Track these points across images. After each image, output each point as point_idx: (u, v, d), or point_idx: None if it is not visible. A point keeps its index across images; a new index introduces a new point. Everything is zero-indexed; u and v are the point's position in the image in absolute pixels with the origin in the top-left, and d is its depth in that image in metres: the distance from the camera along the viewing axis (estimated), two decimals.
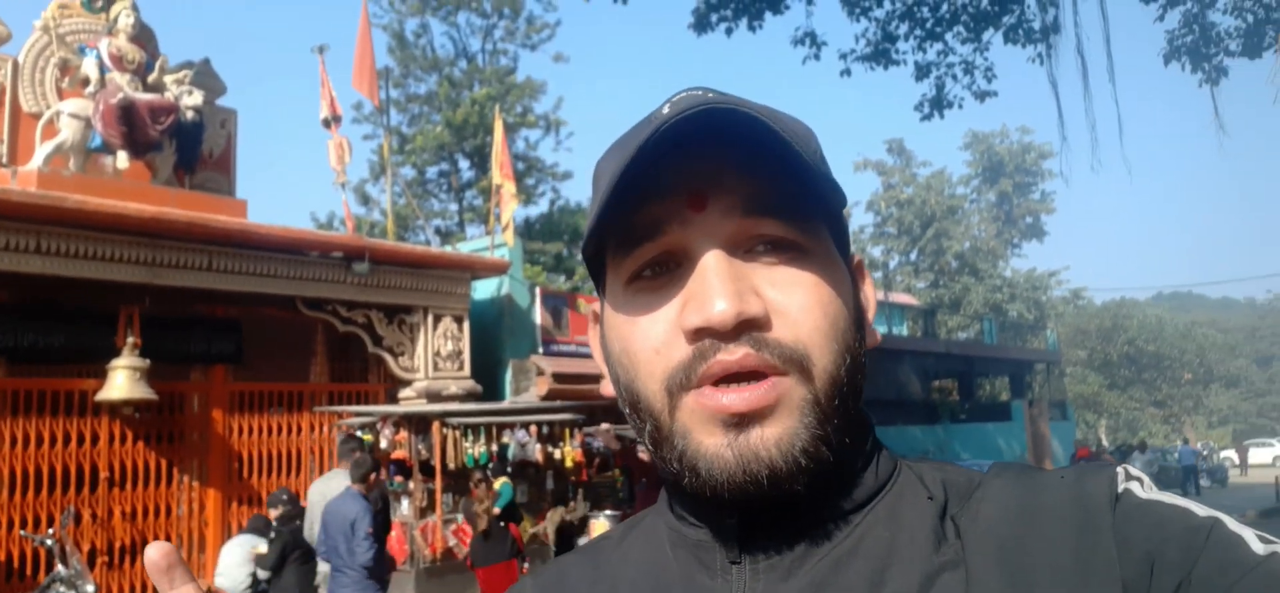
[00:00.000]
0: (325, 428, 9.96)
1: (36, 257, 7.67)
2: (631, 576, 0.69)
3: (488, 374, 11.67)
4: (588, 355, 13.46)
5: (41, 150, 8.52)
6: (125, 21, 9.23)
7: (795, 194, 0.62)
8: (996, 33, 13.92)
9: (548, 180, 27.50)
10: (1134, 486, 0.59)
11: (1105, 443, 35.49)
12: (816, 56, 13.84)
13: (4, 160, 8.51)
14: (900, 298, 30.79)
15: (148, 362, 8.22)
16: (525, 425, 9.02)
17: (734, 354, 0.58)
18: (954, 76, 14.45)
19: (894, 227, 42.68)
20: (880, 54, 14.12)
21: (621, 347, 0.65)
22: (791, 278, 0.62)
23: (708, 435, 0.59)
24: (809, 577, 0.60)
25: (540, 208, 27.79)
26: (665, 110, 0.61)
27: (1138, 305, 53.73)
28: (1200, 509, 0.57)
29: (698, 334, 0.59)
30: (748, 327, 0.59)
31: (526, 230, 28.16)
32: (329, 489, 6.72)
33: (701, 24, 13.73)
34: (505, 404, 10.46)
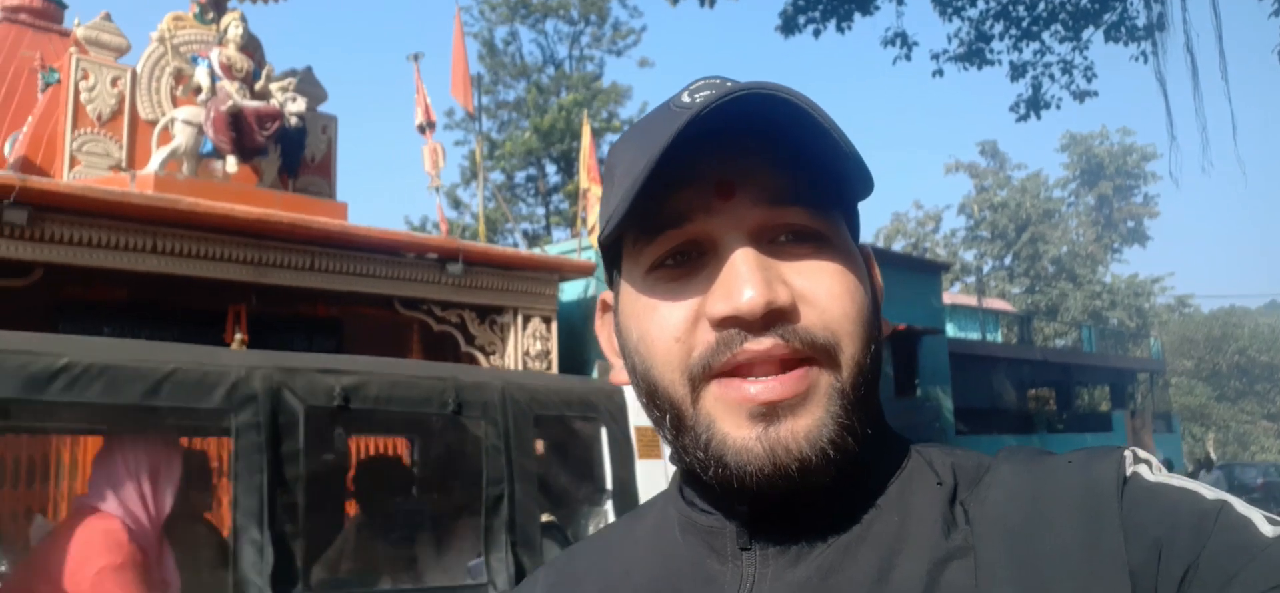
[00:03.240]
0: None
1: (152, 256, 8.08)
2: (642, 561, 0.69)
3: (575, 374, 11.81)
4: None
5: (157, 155, 8.97)
6: (234, 32, 9.66)
7: (820, 183, 0.63)
8: (1097, 31, 13.45)
9: None
10: (1142, 469, 0.59)
11: (1213, 456, 33.84)
12: (907, 57, 13.60)
13: (124, 165, 8.99)
14: (994, 303, 29.98)
15: None
16: None
17: (762, 343, 0.58)
18: (1051, 76, 14.02)
19: (987, 230, 41.58)
20: (974, 54, 13.79)
21: (639, 335, 0.64)
22: (817, 266, 0.62)
23: (734, 427, 0.59)
24: (818, 563, 0.60)
25: None
26: (686, 97, 0.62)
27: (1249, 313, 51.11)
28: (1209, 492, 0.56)
29: (725, 323, 0.59)
30: (776, 317, 0.59)
31: None
32: None
33: (789, 26, 13.63)
34: None
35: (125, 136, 9.14)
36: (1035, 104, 13.89)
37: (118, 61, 9.36)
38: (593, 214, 12.87)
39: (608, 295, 0.74)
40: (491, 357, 10.55)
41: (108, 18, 9.45)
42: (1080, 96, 13.78)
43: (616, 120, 26.58)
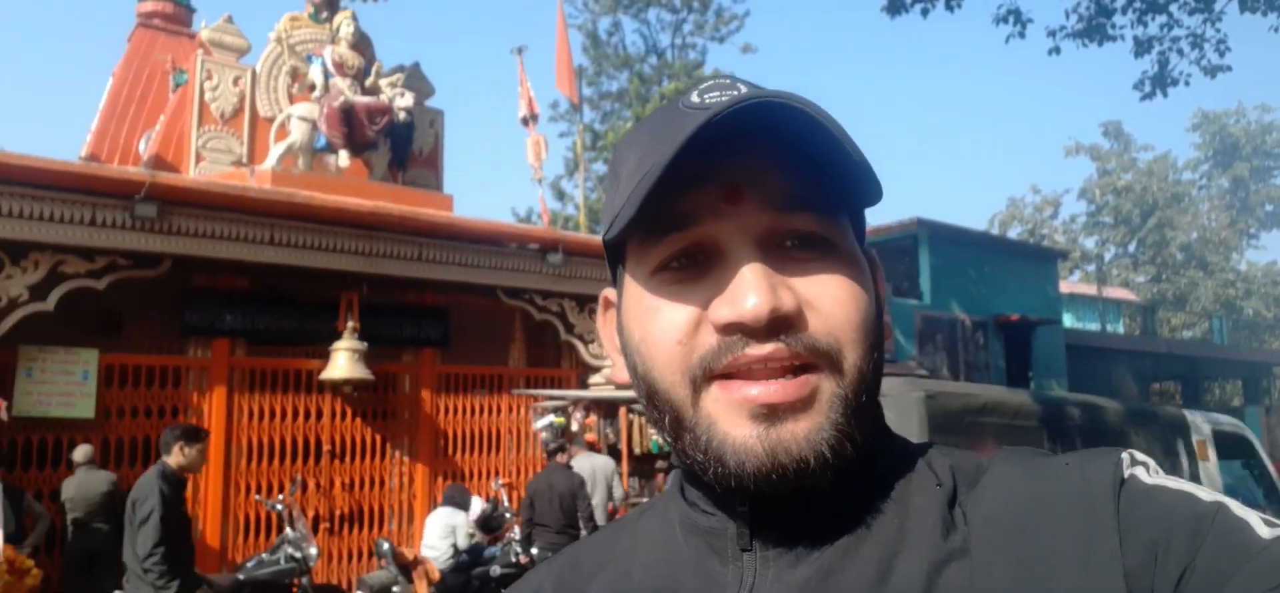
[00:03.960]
0: (522, 410, 10.42)
1: (270, 248, 8.46)
2: (643, 561, 0.70)
3: None
4: None
5: (275, 151, 9.38)
6: (346, 30, 10.01)
7: (827, 189, 0.62)
8: (1231, 1, 12.64)
9: None
10: (1139, 471, 0.59)
11: None
12: (1021, 34, 13.07)
13: (245, 161, 9.44)
14: (1116, 293, 28.60)
15: (365, 345, 8.89)
16: None
17: (764, 348, 0.59)
18: (1180, 51, 13.25)
19: (1110, 216, 39.64)
20: (1094, 29, 13.15)
21: (642, 335, 0.64)
22: (823, 273, 0.62)
23: (735, 427, 0.59)
24: (818, 564, 0.61)
25: None
26: (695, 98, 0.62)
27: None
28: (1205, 495, 0.56)
29: (729, 329, 0.59)
30: (781, 324, 0.59)
31: None
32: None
33: (895, 6, 13.26)
34: None
35: (246, 133, 9.59)
36: (1161, 81, 13.16)
37: (239, 62, 9.83)
38: None
39: (610, 293, 0.74)
40: (590, 345, 10.66)
41: (230, 20, 9.92)
42: (1212, 72, 12.98)
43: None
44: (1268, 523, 0.53)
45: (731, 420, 0.59)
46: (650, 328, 0.63)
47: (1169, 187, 38.69)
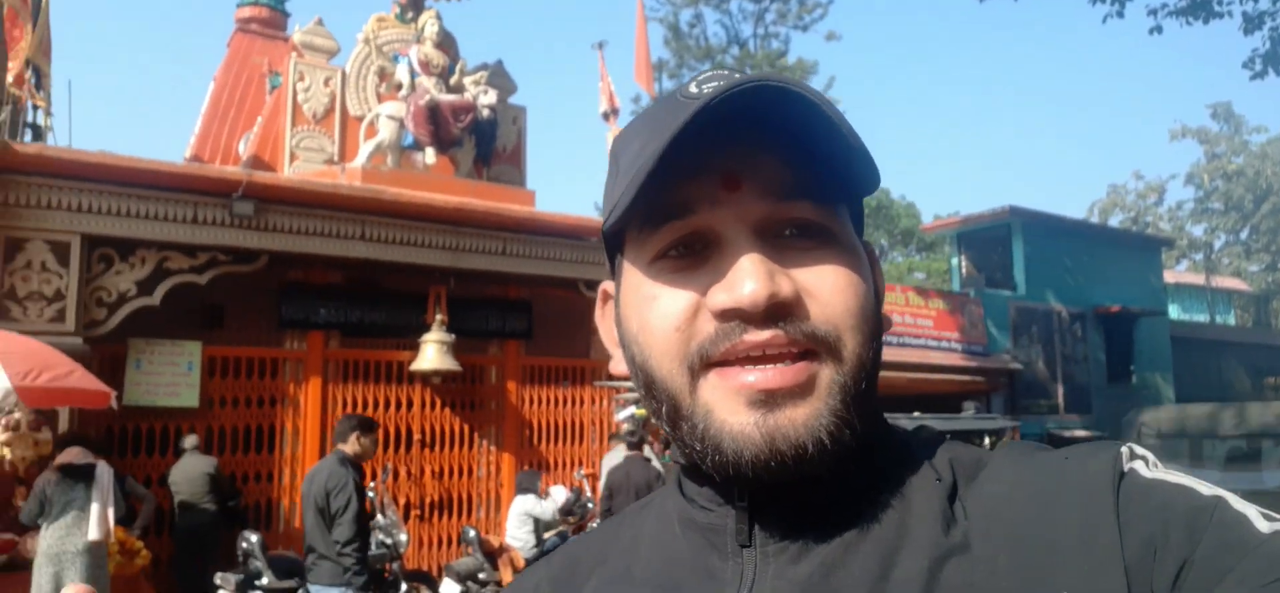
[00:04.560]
0: (604, 401, 10.49)
1: (361, 243, 8.72)
2: (642, 557, 0.69)
3: None
4: None
5: (364, 149, 9.65)
6: (431, 30, 10.22)
7: (826, 177, 0.62)
8: None
9: None
10: (1138, 465, 0.58)
11: None
12: (1120, 14, 12.56)
13: (336, 159, 9.74)
14: (1226, 283, 27.21)
15: (453, 337, 9.09)
16: None
17: (762, 335, 0.58)
18: None
19: (1220, 202, 37.68)
20: (1199, 6, 12.53)
21: (639, 325, 0.64)
22: (821, 261, 0.61)
23: (732, 414, 0.59)
24: (818, 560, 0.60)
25: None
26: (693, 88, 0.62)
27: None
28: (1205, 488, 0.56)
29: (727, 315, 0.59)
30: (779, 311, 0.58)
31: None
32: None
33: None
34: None
35: (337, 132, 9.88)
36: (1274, 59, 12.46)
37: (329, 63, 10.13)
38: None
39: (609, 286, 0.73)
40: None
41: (320, 23, 10.24)
42: None
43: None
44: (1266, 517, 0.53)
45: (729, 408, 0.59)
46: (648, 316, 0.63)
47: None
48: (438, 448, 9.50)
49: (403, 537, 7.11)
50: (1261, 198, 36.23)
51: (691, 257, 0.62)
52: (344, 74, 10.04)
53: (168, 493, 7.54)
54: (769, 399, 0.58)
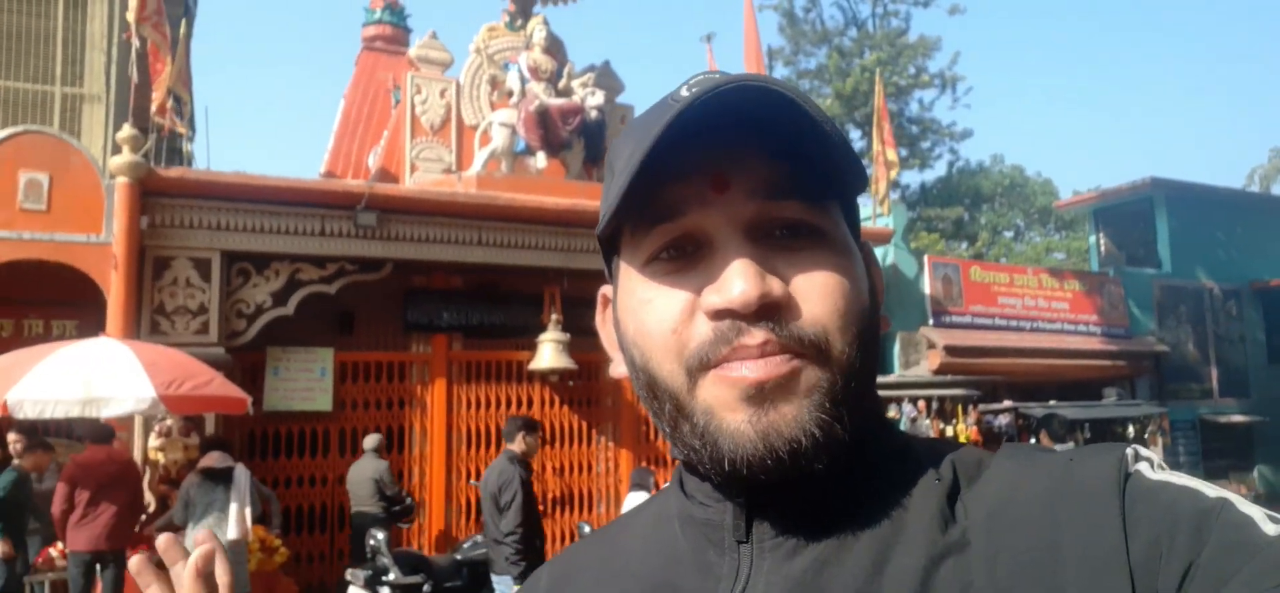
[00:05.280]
0: None
1: (479, 248, 9.00)
2: (642, 553, 0.70)
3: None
4: (986, 326, 12.63)
5: (479, 157, 9.93)
6: (539, 36, 10.42)
7: (816, 176, 0.62)
8: None
9: (945, 142, 26.21)
10: (1143, 467, 0.58)
11: None
12: None
13: (453, 168, 10.06)
14: None
15: (568, 336, 9.26)
16: (913, 400, 8.72)
17: (754, 339, 0.59)
18: None
19: None
20: None
21: (637, 328, 0.65)
22: (811, 261, 0.62)
23: (729, 413, 0.60)
24: (814, 556, 0.61)
25: (937, 171, 26.53)
26: (683, 91, 0.62)
27: None
28: (1210, 490, 0.55)
29: (719, 315, 0.60)
30: (769, 310, 0.59)
31: (923, 196, 27.02)
32: None
33: None
34: (893, 377, 10.19)
35: (454, 141, 10.20)
36: None
37: (444, 74, 10.47)
38: (883, 179, 12.33)
39: (608, 290, 0.75)
40: None
41: (434, 36, 10.60)
42: None
43: (924, 75, 25.29)
44: (1272, 519, 0.53)
45: (726, 407, 0.60)
46: (644, 319, 0.64)
47: None
48: (557, 445, 9.70)
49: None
50: None
51: (684, 258, 0.63)
52: (458, 85, 10.36)
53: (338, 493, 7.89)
54: (760, 394, 0.59)
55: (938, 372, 10.92)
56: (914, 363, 11.50)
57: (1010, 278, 13.53)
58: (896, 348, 11.76)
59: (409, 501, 8.17)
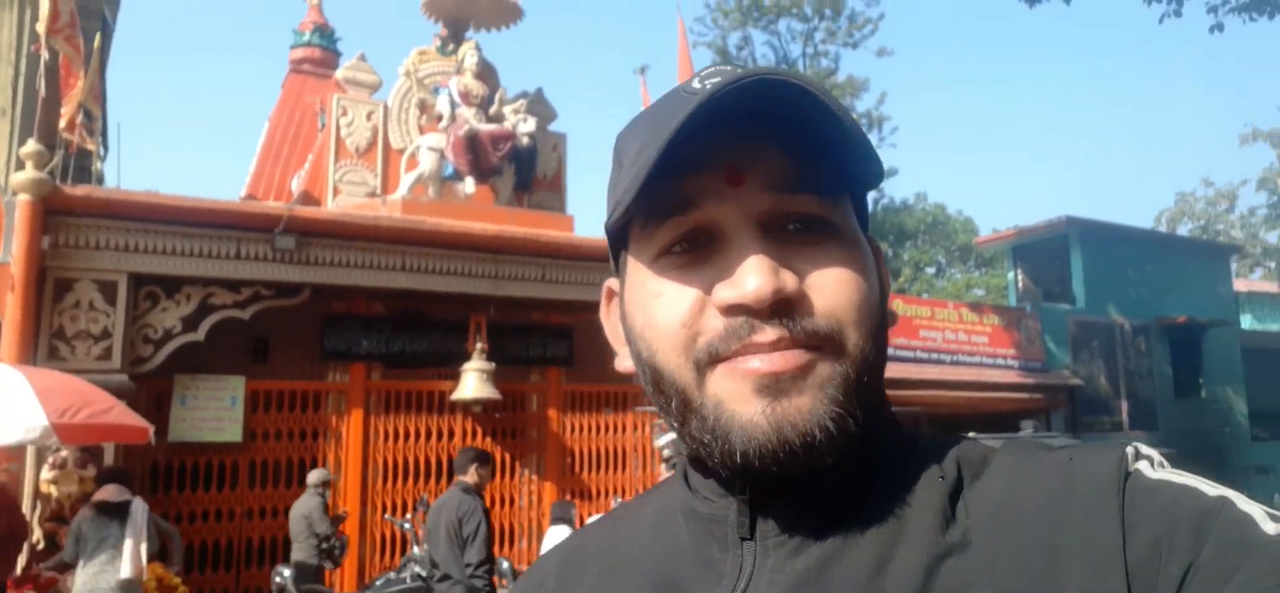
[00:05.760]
0: (646, 427, 10.39)
1: (402, 274, 8.79)
2: (646, 546, 0.70)
3: None
4: (908, 359, 12.83)
5: (405, 180, 9.75)
6: (470, 61, 10.31)
7: (829, 171, 0.62)
8: None
9: None
10: (1143, 465, 0.58)
11: None
12: (1177, 13, 12.16)
13: (378, 192, 9.85)
14: None
15: (493, 365, 9.09)
16: None
17: (768, 335, 0.59)
18: None
19: None
20: (1261, 1, 12.07)
21: (645, 321, 0.64)
22: (824, 256, 0.62)
23: (741, 404, 0.59)
24: (817, 553, 0.60)
25: None
26: (696, 84, 0.61)
27: None
28: (1210, 489, 0.56)
29: (732, 311, 0.60)
30: (783, 306, 0.59)
31: None
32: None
33: None
34: None
35: (379, 165, 10.00)
36: None
37: (372, 97, 10.28)
38: None
39: (613, 283, 0.74)
40: None
41: (362, 58, 10.40)
42: None
43: (853, 114, 25.81)
44: (1272, 518, 0.53)
45: (737, 399, 0.59)
46: (654, 312, 0.63)
47: None
48: None
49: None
50: None
51: (696, 252, 0.63)
52: (386, 108, 10.17)
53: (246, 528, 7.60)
54: (774, 386, 0.58)
55: None
56: None
57: (932, 312, 13.79)
58: None
59: (336, 541, 7.86)
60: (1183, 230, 35.69)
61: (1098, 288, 15.82)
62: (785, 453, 0.58)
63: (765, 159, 0.62)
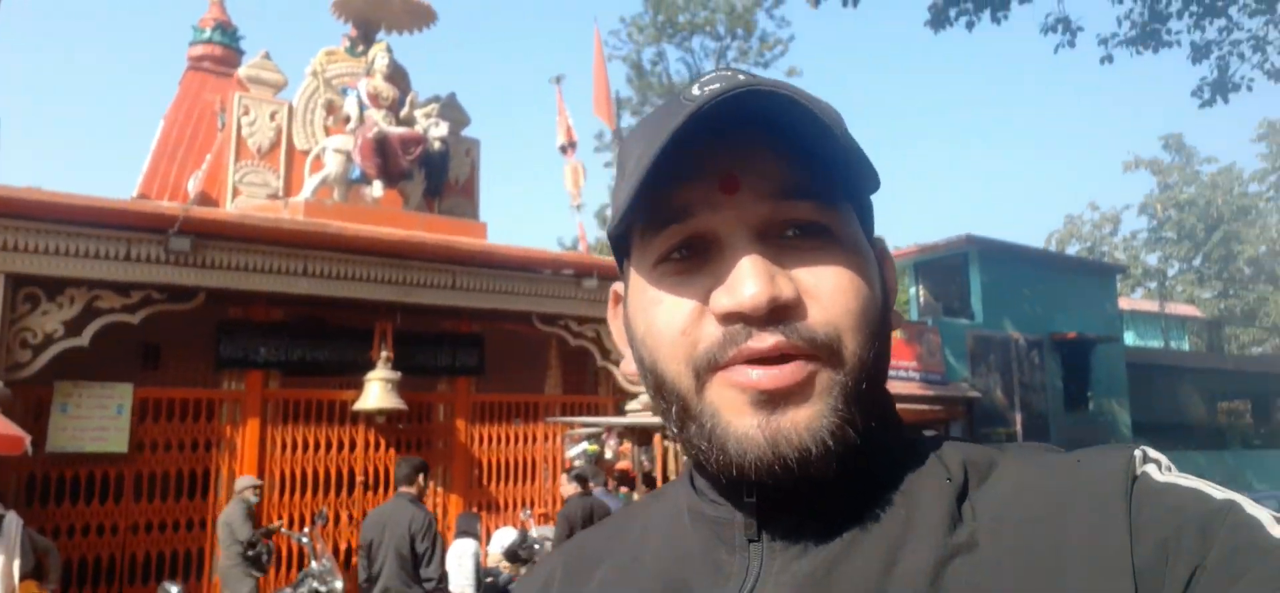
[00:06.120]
0: (557, 438, 10.27)
1: (304, 279, 8.47)
2: (651, 548, 0.70)
3: None
4: None
5: (309, 183, 9.43)
6: (381, 63, 10.06)
7: (827, 177, 0.62)
8: None
9: None
10: (1151, 468, 0.58)
11: None
12: (1071, 44, 12.70)
13: (280, 194, 9.50)
14: (1181, 309, 27.61)
15: (399, 374, 8.84)
16: None
17: (765, 341, 0.58)
18: (1240, 55, 12.76)
19: (1173, 231, 38.43)
20: (1148, 35, 12.72)
21: (646, 328, 0.65)
22: (822, 262, 0.62)
23: (737, 416, 0.59)
24: (823, 556, 0.60)
25: None
26: (695, 91, 0.61)
27: None
28: (1217, 492, 0.55)
29: (729, 318, 0.59)
30: (780, 313, 0.59)
31: None
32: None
33: (939, 20, 12.99)
34: None
35: (282, 167, 9.65)
36: (1222, 87, 12.66)
37: (276, 96, 9.92)
38: None
39: (619, 288, 0.74)
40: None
41: (267, 56, 10.03)
42: (1277, 76, 12.48)
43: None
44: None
45: (734, 410, 0.59)
46: (654, 320, 0.64)
47: (1234, 199, 37.41)
48: (381, 491, 9.19)
49: (338, 585, 6.81)
50: (1213, 227, 36.97)
51: (694, 259, 0.63)
52: (290, 108, 9.83)
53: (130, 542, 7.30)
54: (771, 400, 0.58)
55: None
56: None
57: None
58: None
59: (263, 548, 7.55)
60: (1071, 251, 37.42)
61: (995, 304, 16.40)
62: (780, 467, 0.58)
63: (762, 166, 0.62)
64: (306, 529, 7.41)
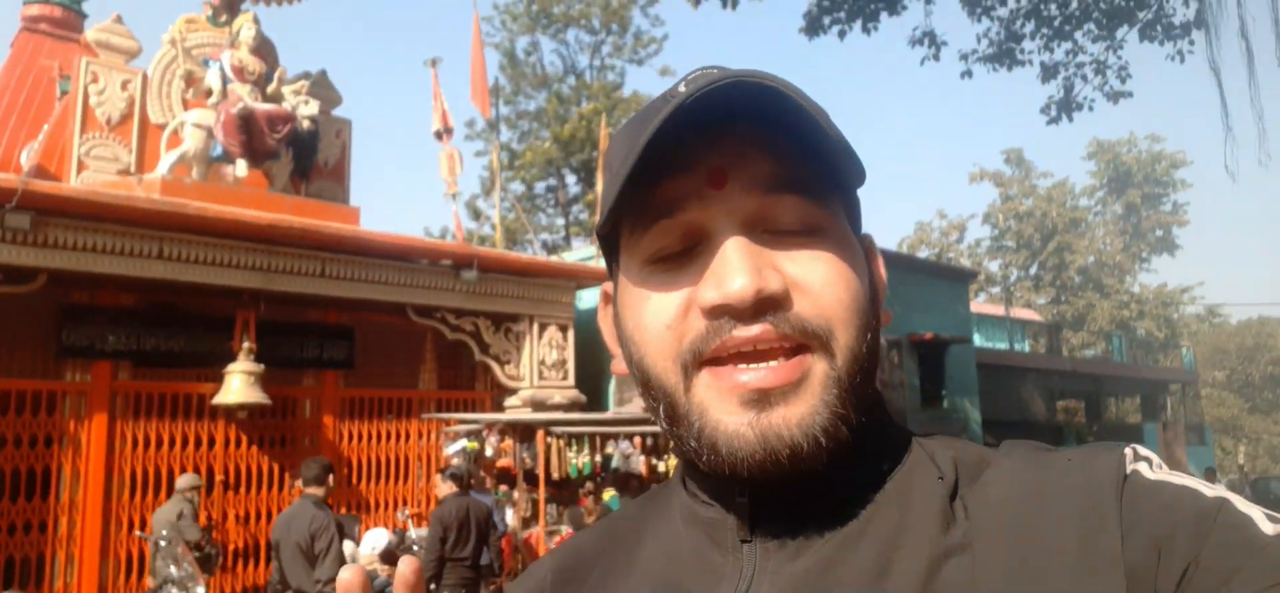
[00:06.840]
0: (432, 435, 9.96)
1: (159, 262, 7.88)
2: (645, 550, 0.69)
3: (592, 384, 11.52)
4: None
5: (166, 159, 8.79)
6: (246, 34, 9.49)
7: (815, 172, 0.62)
8: (1132, 29, 13.11)
9: None
10: (1142, 466, 0.58)
11: (1245, 468, 33.07)
12: (936, 57, 13.28)
13: (132, 170, 8.81)
14: (1021, 313, 29.44)
15: (262, 367, 8.35)
16: (629, 437, 8.80)
17: (751, 330, 0.58)
18: (1084, 77, 13.67)
19: (1012, 240, 41.03)
20: (1004, 54, 13.46)
21: (634, 324, 0.64)
22: (811, 254, 0.61)
23: (726, 414, 0.59)
24: (817, 556, 0.60)
25: None
26: (682, 88, 0.61)
27: None
28: (1209, 490, 0.55)
29: (716, 312, 0.59)
30: (767, 305, 0.58)
31: None
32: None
33: (813, 27, 13.33)
34: (610, 415, 10.28)
35: (134, 141, 8.97)
36: (1067, 106, 13.52)
37: (128, 64, 9.20)
38: None
39: (608, 287, 0.73)
40: (506, 365, 10.28)
41: (119, 20, 9.29)
42: (1114, 97, 13.42)
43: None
44: (1271, 519, 0.53)
45: (723, 408, 0.59)
46: (641, 316, 0.63)
47: (1067, 212, 40.26)
48: (243, 490, 8.68)
49: (200, 590, 6.37)
50: (1047, 237, 39.66)
51: (682, 255, 0.62)
52: (145, 77, 9.14)
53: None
54: (762, 399, 0.57)
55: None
56: (628, 400, 11.70)
57: None
58: (612, 386, 11.90)
59: (213, 548, 7.32)
60: (921, 255, 39.38)
61: None
62: (772, 464, 0.57)
63: (749, 161, 0.61)
64: (164, 535, 6.87)
